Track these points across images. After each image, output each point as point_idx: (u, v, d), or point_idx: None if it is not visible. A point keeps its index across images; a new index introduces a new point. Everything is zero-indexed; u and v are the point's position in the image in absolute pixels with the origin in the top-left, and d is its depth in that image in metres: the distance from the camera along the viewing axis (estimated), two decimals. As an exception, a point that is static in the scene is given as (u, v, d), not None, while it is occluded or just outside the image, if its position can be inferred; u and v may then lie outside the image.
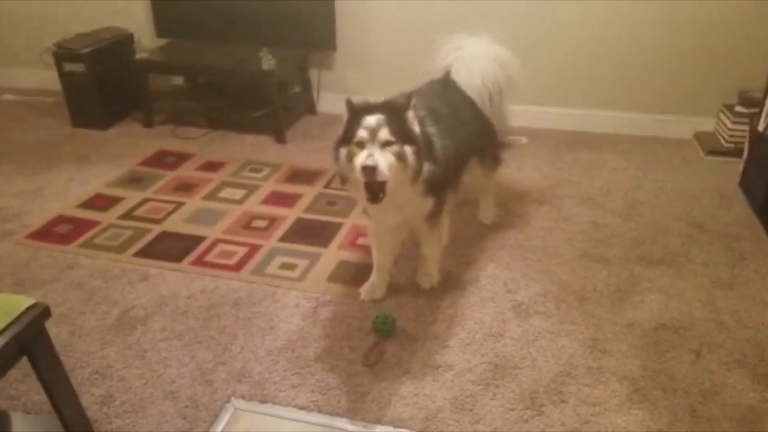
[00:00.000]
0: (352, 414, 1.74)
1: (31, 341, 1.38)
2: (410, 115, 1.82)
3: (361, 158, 1.71)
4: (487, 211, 2.66)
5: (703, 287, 2.24)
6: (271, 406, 1.77)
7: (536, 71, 3.25)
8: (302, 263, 2.40)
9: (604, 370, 1.88)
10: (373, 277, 2.21)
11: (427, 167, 1.85)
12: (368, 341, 1.99)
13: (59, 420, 1.50)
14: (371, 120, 1.76)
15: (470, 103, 2.25)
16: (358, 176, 1.73)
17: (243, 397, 1.80)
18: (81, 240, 2.55)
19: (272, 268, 2.38)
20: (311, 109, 3.79)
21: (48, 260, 2.43)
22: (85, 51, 3.43)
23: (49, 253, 2.48)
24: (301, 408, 1.76)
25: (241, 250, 2.48)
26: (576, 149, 3.35)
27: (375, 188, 1.76)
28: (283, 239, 2.55)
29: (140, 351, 1.98)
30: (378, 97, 1.88)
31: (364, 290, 2.21)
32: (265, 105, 3.42)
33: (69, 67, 3.47)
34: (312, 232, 2.60)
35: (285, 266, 2.39)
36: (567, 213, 2.73)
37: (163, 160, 3.25)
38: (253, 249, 2.49)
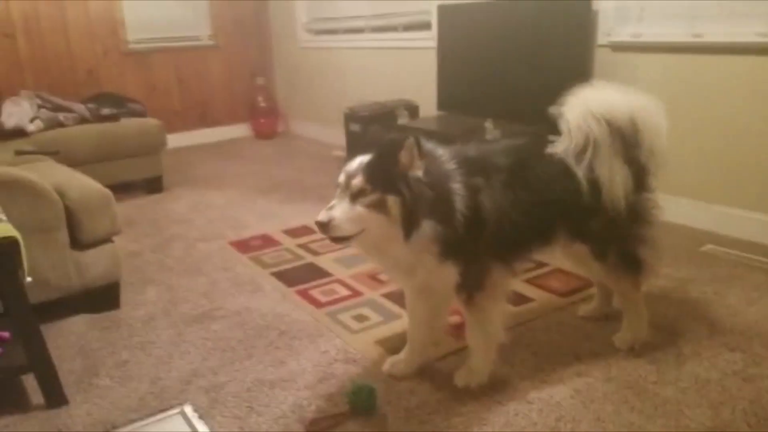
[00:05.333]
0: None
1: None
2: (404, 156, 1.49)
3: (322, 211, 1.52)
4: (625, 332, 1.87)
5: None
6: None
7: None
8: (375, 319, 2.16)
9: None
10: (404, 350, 1.83)
11: (428, 225, 1.49)
12: (338, 408, 1.66)
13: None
14: (352, 164, 1.54)
15: (564, 168, 1.68)
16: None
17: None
18: (253, 253, 2.88)
19: (347, 316, 2.21)
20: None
21: (218, 260, 2.84)
22: (363, 114, 3.93)
23: (225, 254, 2.89)
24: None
25: (343, 293, 2.39)
26: None
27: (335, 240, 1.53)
28: (388, 295, 2.35)
29: (181, 340, 2.11)
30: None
31: (389, 361, 1.85)
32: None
33: (352, 127, 4.02)
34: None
35: (358, 317, 2.19)
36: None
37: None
38: (353, 295, 2.37)
